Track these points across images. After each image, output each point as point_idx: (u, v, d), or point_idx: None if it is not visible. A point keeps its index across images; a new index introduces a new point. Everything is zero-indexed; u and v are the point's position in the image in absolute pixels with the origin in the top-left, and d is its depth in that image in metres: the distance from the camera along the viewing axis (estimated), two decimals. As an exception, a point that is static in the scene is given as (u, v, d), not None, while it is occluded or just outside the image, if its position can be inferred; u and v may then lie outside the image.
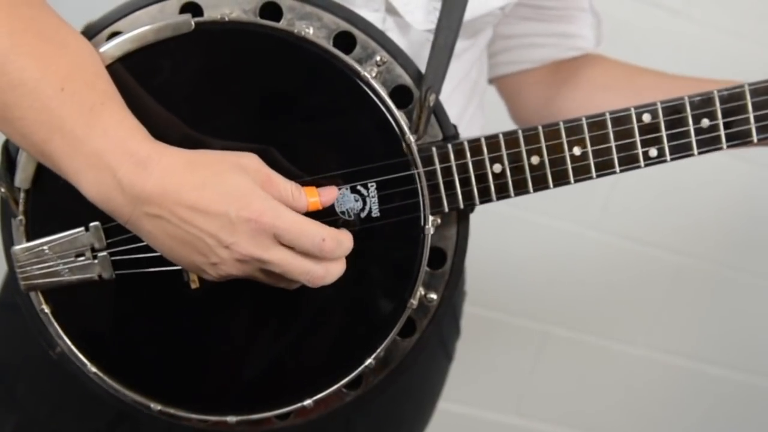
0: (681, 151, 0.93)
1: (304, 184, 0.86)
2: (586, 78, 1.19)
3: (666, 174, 2.00)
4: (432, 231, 0.91)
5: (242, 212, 0.80)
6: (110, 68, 0.86)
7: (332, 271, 0.85)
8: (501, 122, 1.07)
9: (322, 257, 0.84)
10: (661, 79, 1.14)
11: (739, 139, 0.93)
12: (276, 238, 0.81)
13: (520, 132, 0.91)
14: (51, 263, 0.89)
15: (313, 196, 0.86)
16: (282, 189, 0.83)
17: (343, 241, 0.85)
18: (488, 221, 1.88)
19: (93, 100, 0.81)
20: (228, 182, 0.81)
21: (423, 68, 0.91)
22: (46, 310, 0.91)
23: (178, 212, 0.80)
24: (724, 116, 0.93)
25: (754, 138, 0.94)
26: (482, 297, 2.05)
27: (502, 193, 0.92)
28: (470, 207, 0.92)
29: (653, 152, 0.92)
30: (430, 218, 0.91)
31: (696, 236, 2.14)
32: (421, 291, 0.93)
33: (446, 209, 0.91)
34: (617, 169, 0.92)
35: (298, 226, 0.82)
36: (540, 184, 0.92)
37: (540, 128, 0.91)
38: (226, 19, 0.88)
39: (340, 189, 0.88)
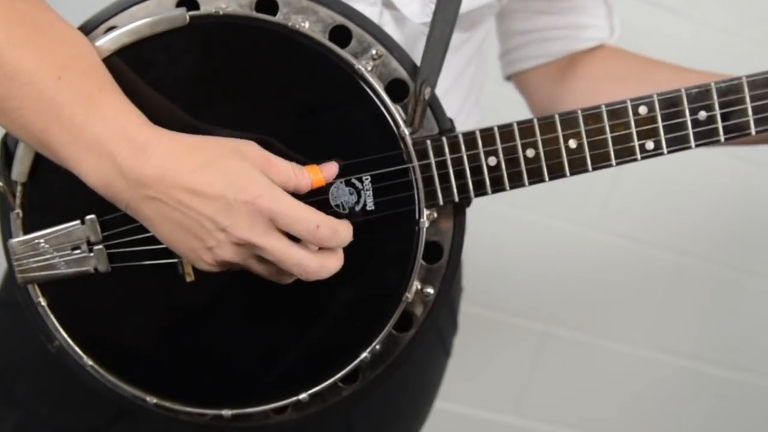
0: (678, 143, 0.93)
1: (303, 164, 0.86)
2: (602, 70, 1.18)
3: (666, 173, 2.01)
4: (427, 224, 0.91)
5: (240, 195, 0.80)
6: (106, 62, 0.86)
7: (327, 266, 0.85)
8: (497, 117, 1.07)
9: (316, 244, 0.84)
10: (679, 73, 1.12)
11: (736, 131, 0.93)
12: (272, 222, 0.81)
13: (515, 125, 0.91)
14: (47, 256, 0.89)
15: (316, 174, 0.86)
16: (282, 170, 0.84)
17: (339, 230, 0.84)
18: (488, 221, 1.89)
19: (90, 88, 0.81)
20: (226, 166, 0.81)
21: (419, 61, 0.91)
22: (43, 302, 0.91)
23: (176, 195, 0.80)
24: (721, 108, 0.92)
25: (752, 130, 0.93)
26: (481, 296, 2.05)
27: (497, 186, 0.91)
28: (466, 200, 0.92)
29: (650, 145, 0.92)
30: (426, 212, 0.91)
31: (696, 236, 2.14)
32: (417, 285, 0.93)
33: (441, 202, 0.91)
34: (613, 162, 0.92)
35: (294, 210, 0.82)
36: (535, 177, 0.92)
37: (535, 121, 0.91)
38: (222, 12, 0.88)
39: (334, 182, 0.88)
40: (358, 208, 0.89)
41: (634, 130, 0.92)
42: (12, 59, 0.80)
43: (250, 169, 0.81)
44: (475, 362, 2.12)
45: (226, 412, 0.93)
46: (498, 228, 2.00)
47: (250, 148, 0.83)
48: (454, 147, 0.90)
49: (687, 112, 0.92)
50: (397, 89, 0.91)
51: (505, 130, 0.91)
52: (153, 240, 0.86)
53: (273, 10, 0.89)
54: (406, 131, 0.89)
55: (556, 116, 0.91)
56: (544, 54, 1.21)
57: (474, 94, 1.16)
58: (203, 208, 0.80)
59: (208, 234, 0.81)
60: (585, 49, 1.19)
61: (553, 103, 1.21)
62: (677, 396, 2.29)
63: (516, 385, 2.21)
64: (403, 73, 0.91)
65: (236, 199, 0.80)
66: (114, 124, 0.80)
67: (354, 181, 0.89)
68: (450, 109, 0.96)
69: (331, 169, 0.88)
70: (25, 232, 0.90)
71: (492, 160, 0.91)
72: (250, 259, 0.84)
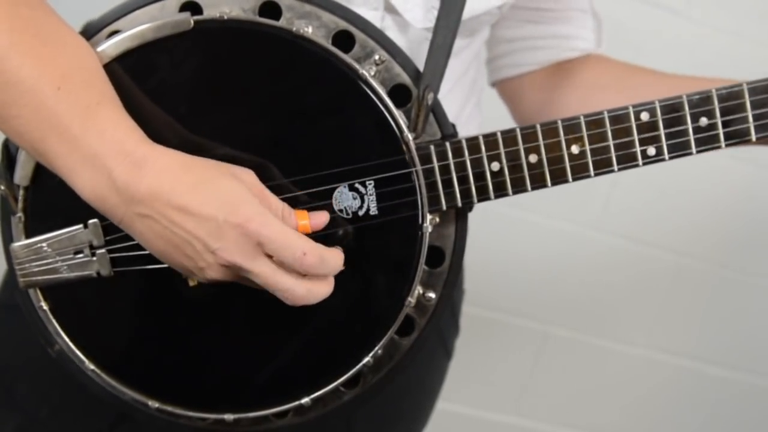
0: (679, 149, 0.93)
1: (297, 202, 0.87)
2: (585, 78, 1.19)
3: (666, 174, 2.01)
4: (430, 229, 0.91)
5: (230, 217, 0.80)
6: (108, 67, 0.86)
7: (315, 291, 0.85)
8: (498, 120, 1.07)
9: (302, 271, 0.83)
10: (660, 78, 1.14)
11: (737, 137, 0.94)
12: (260, 246, 0.81)
13: (518, 130, 0.91)
14: (50, 260, 0.89)
15: (303, 219, 0.86)
16: (273, 207, 0.84)
17: (327, 258, 0.84)
18: (489, 221, 1.88)
19: (89, 100, 0.81)
20: (220, 187, 0.81)
21: (421, 67, 0.91)
22: (45, 307, 0.91)
23: (168, 214, 0.80)
24: (722, 115, 0.93)
25: (753, 137, 0.94)
26: (482, 297, 2.05)
27: (500, 192, 0.92)
28: (468, 205, 0.93)
29: (651, 151, 0.93)
30: (428, 216, 0.91)
31: (696, 236, 2.14)
32: (419, 290, 0.93)
33: (444, 207, 0.91)
34: (615, 167, 0.92)
35: (282, 236, 0.81)
36: (538, 183, 0.92)
37: (538, 126, 0.91)
38: (225, 17, 0.88)
39: (338, 187, 0.89)
40: (361, 212, 0.89)
41: (636, 137, 0.92)
42: (13, 66, 0.79)
43: (243, 191, 0.81)
44: (476, 362, 2.12)
45: (228, 417, 0.93)
46: (498, 228, 2.01)
47: (246, 174, 0.84)
48: (458, 152, 0.91)
49: (688, 119, 0.92)
50: (399, 94, 0.91)
51: (508, 136, 0.91)
52: (155, 244, 0.86)
53: (276, 14, 0.90)
54: (410, 136, 0.90)
55: (559, 122, 0.91)
56: (529, 62, 1.21)
57: (475, 96, 1.16)
58: (194, 229, 0.80)
59: (198, 255, 0.81)
60: (570, 59, 1.20)
61: (539, 112, 1.22)
62: (677, 396, 2.29)
63: (517, 385, 2.21)
64: (405, 79, 0.91)
65: (226, 221, 0.80)
66: (111, 138, 0.80)
67: (357, 185, 0.89)
68: (451, 111, 0.97)
69: (320, 218, 0.87)
70: (27, 236, 0.90)
71: (495, 166, 0.91)
72: (239, 280, 0.85)
